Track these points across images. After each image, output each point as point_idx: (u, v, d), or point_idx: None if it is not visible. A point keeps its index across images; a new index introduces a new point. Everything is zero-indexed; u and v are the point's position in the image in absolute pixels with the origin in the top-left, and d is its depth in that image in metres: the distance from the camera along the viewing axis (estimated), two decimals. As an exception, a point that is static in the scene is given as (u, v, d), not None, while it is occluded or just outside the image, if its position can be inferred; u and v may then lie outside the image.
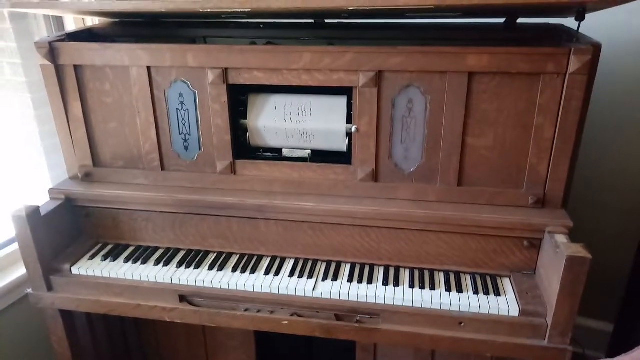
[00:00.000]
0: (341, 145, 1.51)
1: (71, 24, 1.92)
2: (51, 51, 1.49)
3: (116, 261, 1.54)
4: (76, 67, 1.52)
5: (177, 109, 1.52)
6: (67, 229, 1.60)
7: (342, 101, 1.48)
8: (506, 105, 1.35)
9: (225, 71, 1.45)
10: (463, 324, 1.32)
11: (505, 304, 1.32)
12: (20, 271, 1.76)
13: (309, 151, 1.54)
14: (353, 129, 1.44)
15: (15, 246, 1.78)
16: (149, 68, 1.48)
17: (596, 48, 1.26)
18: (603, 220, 2.00)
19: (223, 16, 1.68)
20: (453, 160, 1.42)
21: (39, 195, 1.78)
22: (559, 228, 1.33)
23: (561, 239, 1.28)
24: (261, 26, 1.78)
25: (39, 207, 1.47)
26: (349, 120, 1.47)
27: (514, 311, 1.31)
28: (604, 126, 1.90)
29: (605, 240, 2.00)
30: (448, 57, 1.32)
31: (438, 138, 1.41)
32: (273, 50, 1.41)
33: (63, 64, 1.51)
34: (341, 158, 1.51)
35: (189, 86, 1.49)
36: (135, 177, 1.61)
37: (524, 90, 1.33)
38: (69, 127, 1.59)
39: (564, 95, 1.30)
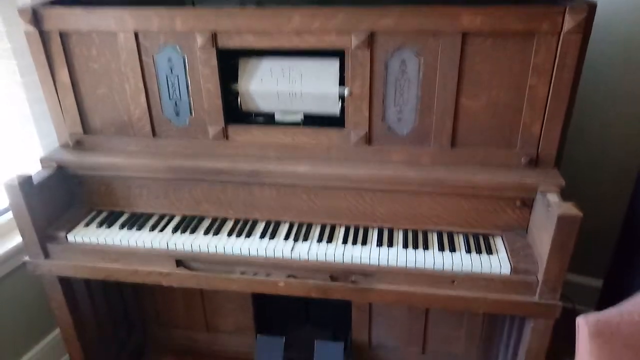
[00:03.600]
0: (334, 108, 1.49)
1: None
2: (35, 16, 1.45)
3: (111, 228, 1.55)
4: (61, 33, 1.48)
5: (167, 74, 1.50)
6: (61, 197, 1.60)
7: (334, 64, 1.46)
8: (500, 65, 1.34)
9: (215, 35, 1.42)
10: (456, 283, 1.35)
11: (497, 263, 1.35)
12: (17, 239, 1.77)
13: (302, 115, 1.53)
14: (346, 92, 1.43)
15: (10, 215, 1.78)
16: (136, 33, 1.45)
17: (591, 6, 1.24)
18: (595, 179, 2.03)
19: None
20: (446, 122, 1.41)
21: (31, 163, 1.77)
22: (551, 187, 1.34)
23: (553, 198, 1.29)
24: (250, -13, 1.74)
25: (31, 176, 1.46)
26: (342, 83, 1.45)
27: (506, 269, 1.34)
28: (597, 86, 1.89)
29: (597, 198, 2.03)
30: (441, 17, 1.29)
31: (431, 100, 1.40)
32: (262, 12, 1.38)
33: (47, 29, 1.47)
34: (334, 122, 1.50)
35: (177, 51, 1.46)
36: (127, 144, 1.60)
37: (518, 50, 1.31)
38: (57, 95, 1.56)
39: (558, 55, 1.29)
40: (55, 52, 1.50)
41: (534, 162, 1.41)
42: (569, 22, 1.25)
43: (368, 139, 1.48)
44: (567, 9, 1.23)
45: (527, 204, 1.40)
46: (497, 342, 1.76)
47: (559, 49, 1.28)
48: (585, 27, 1.25)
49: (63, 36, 1.48)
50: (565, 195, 1.32)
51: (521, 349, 1.44)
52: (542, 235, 1.30)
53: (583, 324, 1.08)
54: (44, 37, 1.48)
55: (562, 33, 1.26)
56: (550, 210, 1.25)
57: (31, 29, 1.46)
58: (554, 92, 1.33)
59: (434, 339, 1.87)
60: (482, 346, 1.84)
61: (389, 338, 1.90)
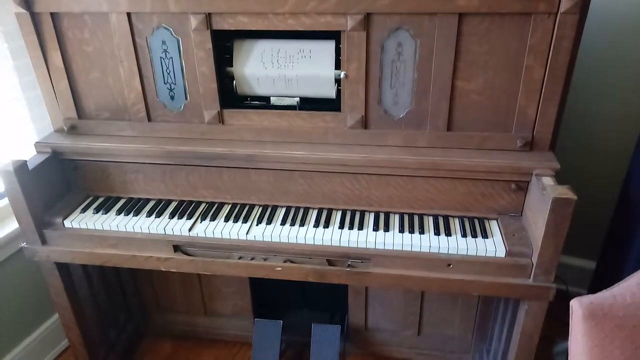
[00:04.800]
0: (330, 91, 1.49)
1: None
2: (25, -2, 1.42)
3: (108, 213, 1.55)
4: (53, 15, 1.46)
5: (161, 57, 1.48)
6: (57, 183, 1.59)
7: (330, 46, 1.44)
8: (496, 47, 1.33)
9: (209, 16, 1.40)
10: (451, 266, 1.36)
11: (492, 246, 1.36)
12: (14, 224, 1.76)
13: (298, 99, 1.52)
14: (342, 75, 1.42)
15: (5, 200, 1.77)
16: (128, 14, 1.43)
17: (589, -14, 1.23)
18: (589, 162, 2.03)
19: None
20: (442, 105, 1.41)
21: (25, 148, 1.76)
22: (546, 170, 1.35)
23: (548, 181, 1.30)
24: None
25: (26, 161, 1.45)
26: (338, 66, 1.44)
27: (501, 252, 1.35)
28: (592, 69, 1.88)
29: (591, 181, 2.04)
30: (438, -2, 1.28)
31: (428, 82, 1.39)
32: (257, -7, 1.36)
33: (39, 11, 1.45)
34: (330, 105, 1.50)
35: (171, 33, 1.44)
36: (122, 128, 1.59)
37: (514, 31, 1.30)
38: (50, 78, 1.55)
39: (554, 36, 1.28)
40: (47, 35, 1.48)
41: (529, 144, 1.41)
42: (565, 3, 1.23)
43: (364, 123, 1.47)
44: (564, -10, 1.22)
45: (522, 187, 1.41)
46: (492, 324, 1.79)
47: (555, 29, 1.27)
48: (582, 7, 1.24)
49: (55, 18, 1.46)
50: (559, 178, 1.33)
51: (515, 330, 1.45)
52: (537, 218, 1.31)
53: (577, 307, 1.09)
54: (35, 19, 1.46)
55: (558, 13, 1.25)
56: (545, 193, 1.25)
57: (22, 11, 1.44)
58: (550, 74, 1.32)
59: (430, 322, 1.89)
60: (477, 328, 1.86)
61: (385, 321, 1.92)
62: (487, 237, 1.39)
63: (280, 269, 1.45)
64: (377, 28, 1.35)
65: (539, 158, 1.39)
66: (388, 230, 1.43)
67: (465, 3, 1.27)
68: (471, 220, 1.46)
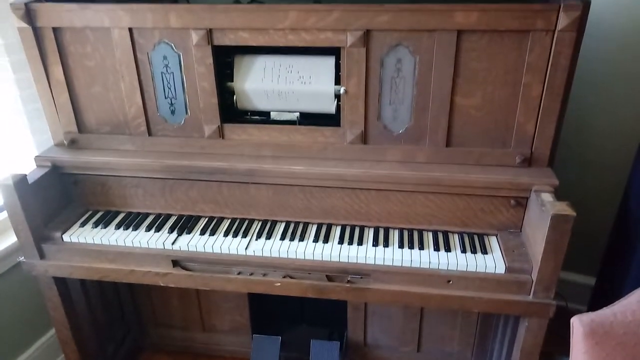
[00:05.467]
0: (330, 107, 1.49)
1: (47, -16, 1.84)
2: (28, 13, 1.43)
3: (107, 228, 1.54)
4: (55, 29, 1.47)
5: (162, 72, 1.49)
6: (56, 197, 1.59)
7: (330, 62, 1.46)
8: (495, 63, 1.34)
9: (210, 32, 1.41)
10: (451, 282, 1.36)
11: (492, 262, 1.36)
12: (13, 238, 1.76)
13: (298, 114, 1.52)
14: (341, 91, 1.43)
15: (4, 214, 1.77)
16: (130, 30, 1.44)
17: (585, 4, 1.25)
18: (588, 177, 2.03)
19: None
20: (442, 120, 1.41)
21: (24, 161, 1.76)
22: (545, 187, 1.35)
23: (547, 197, 1.30)
24: (245, -16, 1.73)
25: (26, 175, 1.45)
26: (337, 81, 1.45)
27: (500, 268, 1.34)
28: (590, 84, 1.89)
29: (590, 197, 2.04)
30: (437, 15, 1.29)
31: (427, 98, 1.40)
32: (258, 9, 1.37)
33: (41, 26, 1.46)
34: (330, 120, 1.50)
35: (172, 48, 1.45)
36: (122, 142, 1.59)
37: (512, 48, 1.31)
38: (51, 92, 1.56)
39: (552, 53, 1.29)
40: (49, 49, 1.49)
41: (527, 161, 1.42)
42: (563, 20, 1.25)
43: (364, 138, 1.48)
44: (561, 7, 1.24)
45: (521, 203, 1.41)
46: (492, 341, 1.77)
47: (553, 47, 1.29)
48: (579, 25, 1.26)
49: (57, 33, 1.48)
50: (558, 193, 1.33)
51: (515, 347, 1.44)
52: (536, 235, 1.31)
53: (578, 324, 1.09)
54: (37, 33, 1.47)
55: (556, 31, 1.27)
56: (544, 209, 1.25)
57: (25, 25, 1.45)
58: (548, 90, 1.33)
59: (429, 338, 1.87)
60: (477, 345, 1.84)
61: (384, 337, 1.91)
62: (486, 253, 1.39)
63: (279, 284, 1.44)
64: (377, 44, 1.36)
65: (538, 174, 1.39)
66: (387, 246, 1.43)
67: (464, 20, 1.29)
68: (471, 236, 1.45)
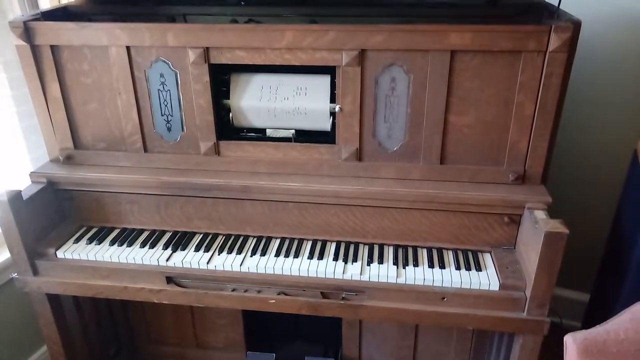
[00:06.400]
0: (325, 124, 1.51)
1: (45, 2, 1.86)
2: (26, 31, 1.45)
3: (101, 244, 1.54)
4: (53, 47, 1.48)
5: (159, 89, 1.50)
6: (51, 213, 1.58)
7: (325, 80, 1.47)
8: (488, 83, 1.36)
9: (207, 50, 1.43)
10: (446, 299, 1.36)
11: (486, 279, 1.36)
12: (5, 255, 1.75)
13: (293, 131, 1.54)
14: (337, 109, 1.44)
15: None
16: (128, 48, 1.45)
17: (576, 25, 1.28)
18: (581, 194, 2.05)
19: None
20: (435, 138, 1.43)
21: (19, 177, 1.76)
22: (538, 204, 1.36)
23: (540, 214, 1.31)
24: (242, 3, 1.75)
25: (20, 191, 1.45)
26: (333, 99, 1.47)
27: (495, 285, 1.35)
28: (582, 102, 1.92)
29: (583, 213, 2.05)
30: (430, 35, 1.31)
31: (421, 116, 1.42)
32: (255, 28, 1.39)
33: (39, 44, 1.47)
34: (325, 138, 1.51)
35: (169, 66, 1.47)
36: (118, 159, 1.60)
37: (505, 68, 1.34)
38: (48, 109, 1.56)
39: (544, 73, 1.31)
40: (47, 67, 1.50)
41: (521, 178, 1.43)
42: (554, 41, 1.27)
43: (358, 155, 1.49)
44: (552, 29, 1.26)
45: (515, 221, 1.42)
46: (487, 358, 1.77)
47: (544, 67, 1.31)
48: (570, 45, 1.28)
49: (55, 50, 1.49)
50: (551, 210, 1.34)
51: (511, 364, 1.44)
52: (530, 252, 1.32)
53: (571, 342, 1.09)
54: (35, 51, 1.48)
55: (547, 52, 1.29)
56: (537, 227, 1.26)
57: (23, 43, 1.46)
58: (540, 109, 1.35)
59: (424, 355, 1.87)
60: (473, 361, 1.84)
61: (379, 354, 1.90)
62: (480, 270, 1.40)
63: (274, 301, 1.44)
64: (372, 63, 1.38)
65: (531, 192, 1.40)
66: (382, 263, 1.44)
67: (458, 41, 1.31)
68: (465, 252, 1.46)
